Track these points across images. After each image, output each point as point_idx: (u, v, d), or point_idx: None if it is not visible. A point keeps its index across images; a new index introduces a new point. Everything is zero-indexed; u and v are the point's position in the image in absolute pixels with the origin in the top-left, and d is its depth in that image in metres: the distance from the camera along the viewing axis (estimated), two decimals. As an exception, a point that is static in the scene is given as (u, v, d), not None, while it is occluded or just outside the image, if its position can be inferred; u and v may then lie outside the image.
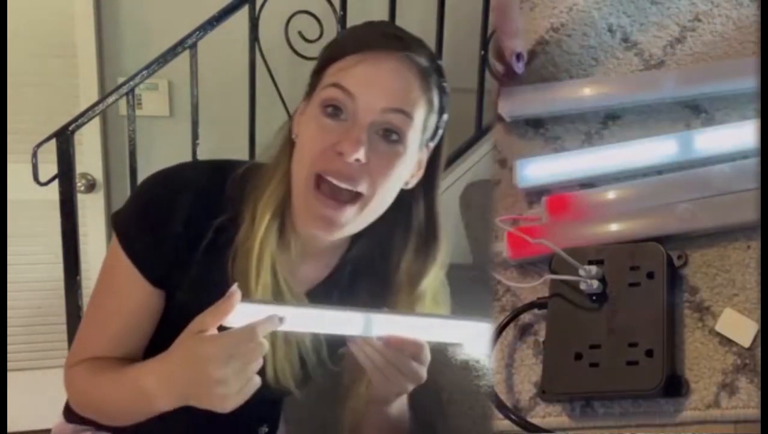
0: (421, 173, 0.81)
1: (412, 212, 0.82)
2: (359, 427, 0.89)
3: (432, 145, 0.80)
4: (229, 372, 0.64)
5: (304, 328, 0.71)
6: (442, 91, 0.78)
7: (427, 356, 0.73)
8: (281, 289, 0.78)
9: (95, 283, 0.83)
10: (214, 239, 0.77)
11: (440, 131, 0.80)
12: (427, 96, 0.75)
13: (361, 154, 0.70)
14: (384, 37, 0.75)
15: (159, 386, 0.70)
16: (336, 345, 0.86)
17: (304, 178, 0.73)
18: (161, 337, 0.79)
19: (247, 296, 0.70)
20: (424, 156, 0.80)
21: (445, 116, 0.80)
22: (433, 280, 0.83)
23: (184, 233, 0.77)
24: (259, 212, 0.76)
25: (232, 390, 0.65)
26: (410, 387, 0.75)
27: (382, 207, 0.77)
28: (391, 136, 0.73)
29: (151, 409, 0.73)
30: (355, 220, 0.75)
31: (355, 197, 0.73)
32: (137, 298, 0.79)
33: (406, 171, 0.77)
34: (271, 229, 0.76)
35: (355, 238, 0.84)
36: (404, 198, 0.80)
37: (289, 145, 0.78)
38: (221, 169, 0.80)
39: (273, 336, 0.78)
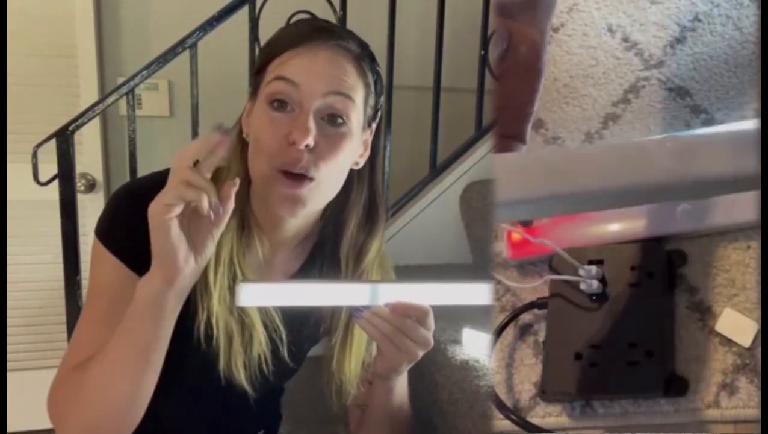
0: (367, 153, 0.86)
1: (359, 188, 0.87)
2: (364, 415, 0.91)
3: (374, 125, 0.86)
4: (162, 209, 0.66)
5: (313, 302, 0.74)
6: (375, 75, 0.84)
7: (432, 321, 0.76)
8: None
9: (86, 293, 0.84)
10: None
11: (380, 112, 0.86)
12: (363, 79, 0.80)
13: (310, 140, 0.75)
14: (317, 31, 0.80)
15: (153, 277, 0.70)
16: (295, 343, 0.90)
17: (266, 173, 0.78)
18: None
19: (206, 294, 0.78)
20: (369, 137, 0.85)
21: (382, 97, 0.86)
22: (377, 250, 0.89)
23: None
24: None
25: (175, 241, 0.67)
26: (420, 353, 0.77)
27: (336, 185, 0.82)
28: (336, 120, 0.78)
29: (162, 311, 0.71)
30: (314, 197, 0.79)
31: (308, 179, 0.78)
32: (125, 287, 0.79)
33: (354, 151, 0.82)
34: (228, 228, 0.80)
35: (322, 226, 0.89)
36: (353, 177, 0.86)
37: (239, 146, 0.83)
38: None
39: (229, 329, 0.82)
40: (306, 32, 0.79)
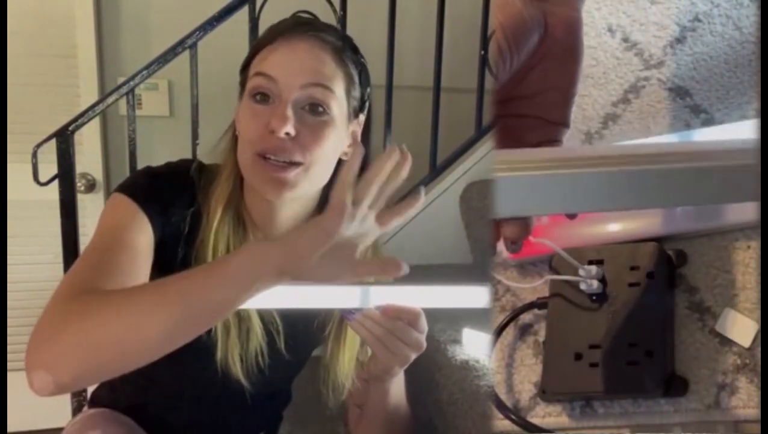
0: (359, 149, 0.84)
1: None
2: (362, 414, 0.91)
3: (362, 117, 0.88)
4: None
5: (303, 304, 0.74)
6: (360, 66, 0.85)
7: (425, 323, 0.76)
8: None
9: (93, 234, 0.80)
10: (189, 229, 0.84)
11: (367, 103, 0.88)
12: (343, 70, 0.82)
13: (289, 128, 0.77)
14: (295, 24, 0.83)
15: (272, 253, 0.62)
16: (290, 335, 0.91)
17: (249, 159, 0.80)
18: None
19: None
20: (357, 128, 0.86)
21: (369, 89, 0.88)
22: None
23: (172, 214, 0.82)
24: (212, 207, 0.83)
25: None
26: (413, 356, 0.78)
27: (324, 173, 0.83)
28: (317, 109, 0.80)
29: (251, 285, 0.61)
30: (303, 182, 0.81)
31: (296, 164, 0.79)
32: (144, 241, 0.78)
33: (340, 141, 0.83)
34: (225, 222, 0.83)
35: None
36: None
37: (234, 143, 0.85)
38: (186, 165, 0.88)
39: (226, 322, 0.84)
40: (284, 27, 0.82)
